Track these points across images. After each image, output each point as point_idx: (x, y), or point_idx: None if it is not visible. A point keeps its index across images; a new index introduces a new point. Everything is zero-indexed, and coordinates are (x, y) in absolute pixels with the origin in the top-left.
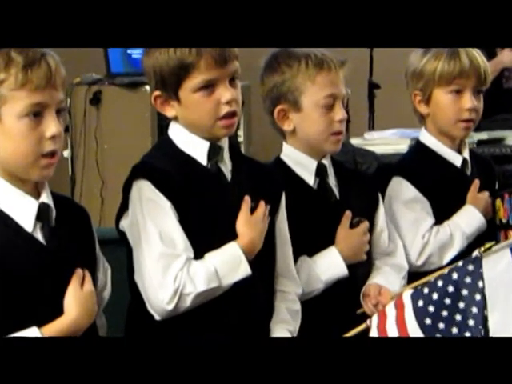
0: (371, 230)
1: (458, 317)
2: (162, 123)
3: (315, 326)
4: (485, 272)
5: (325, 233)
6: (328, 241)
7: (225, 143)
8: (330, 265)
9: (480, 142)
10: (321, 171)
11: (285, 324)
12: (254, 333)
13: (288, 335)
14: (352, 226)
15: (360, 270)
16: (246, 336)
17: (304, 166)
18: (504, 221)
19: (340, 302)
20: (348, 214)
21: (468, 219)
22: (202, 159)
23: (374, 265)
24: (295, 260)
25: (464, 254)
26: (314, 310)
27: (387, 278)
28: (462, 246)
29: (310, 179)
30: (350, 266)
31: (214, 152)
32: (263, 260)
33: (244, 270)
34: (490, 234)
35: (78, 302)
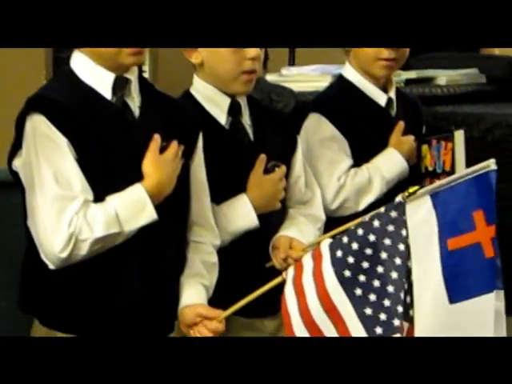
0: (287, 175)
1: (380, 269)
2: (62, 55)
3: (223, 280)
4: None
5: (235, 178)
6: (238, 187)
7: (133, 75)
8: (238, 215)
9: (408, 81)
10: (234, 109)
11: (198, 278)
12: (162, 287)
13: (202, 289)
14: (266, 171)
15: (274, 219)
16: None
17: (215, 103)
18: (430, 169)
19: (250, 254)
20: (262, 157)
21: (389, 163)
22: (107, 93)
23: (288, 214)
24: None
25: (382, 201)
26: (221, 263)
27: (301, 230)
28: (381, 192)
29: (222, 118)
30: (262, 216)
31: (120, 85)
32: (174, 206)
33: (149, 214)
34: (413, 181)
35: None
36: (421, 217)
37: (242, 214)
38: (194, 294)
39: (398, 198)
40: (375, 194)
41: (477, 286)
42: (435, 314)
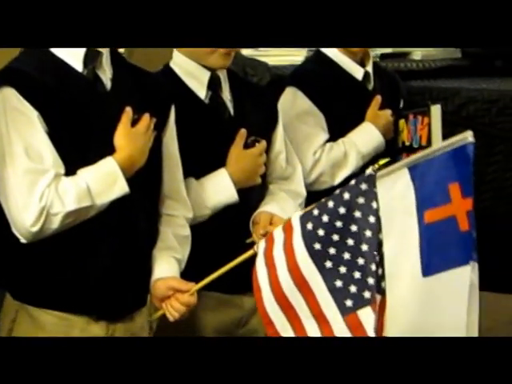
0: (268, 150)
1: (351, 241)
2: None
3: (203, 255)
4: (381, 194)
5: (215, 153)
6: (219, 162)
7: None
8: (218, 189)
9: (384, 56)
10: (214, 83)
11: (171, 251)
12: (134, 260)
13: (174, 263)
14: (247, 145)
15: (254, 194)
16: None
17: (195, 77)
18: (407, 143)
19: (230, 229)
20: (243, 132)
21: (365, 137)
22: (78, 65)
23: (269, 189)
24: None
25: (358, 175)
26: (199, 237)
27: (281, 205)
28: (357, 166)
29: (202, 92)
30: (242, 191)
31: (92, 57)
32: (146, 179)
33: (120, 187)
34: (389, 156)
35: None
36: (399, 190)
37: (221, 188)
38: (166, 267)
39: (369, 171)
40: (351, 168)
41: (450, 259)
42: (408, 287)
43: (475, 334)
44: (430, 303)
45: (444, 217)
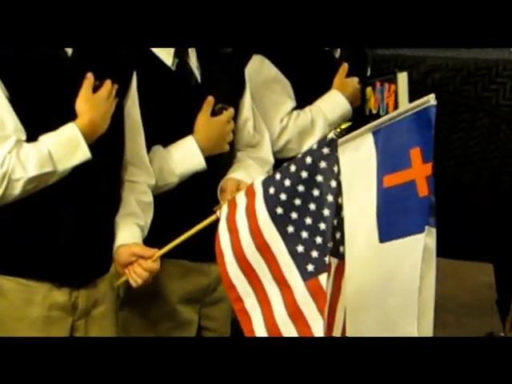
0: (236, 118)
1: (313, 206)
2: None
3: (172, 223)
4: (346, 159)
5: (182, 120)
6: (186, 129)
7: None
8: (185, 157)
9: None
10: (180, 51)
11: (133, 217)
12: (96, 227)
13: (137, 229)
14: (214, 113)
15: (221, 162)
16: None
17: None
18: (374, 111)
19: (197, 197)
20: (210, 99)
21: (332, 105)
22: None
23: (237, 157)
24: (148, 150)
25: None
26: (168, 205)
27: (249, 172)
28: (324, 133)
29: (168, 59)
30: (210, 158)
31: None
32: (108, 146)
33: (82, 153)
34: (357, 124)
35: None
36: (362, 154)
37: (189, 156)
38: (128, 233)
39: (331, 135)
40: (318, 135)
41: (408, 225)
42: (366, 252)
43: (431, 298)
44: (386, 269)
45: (403, 181)
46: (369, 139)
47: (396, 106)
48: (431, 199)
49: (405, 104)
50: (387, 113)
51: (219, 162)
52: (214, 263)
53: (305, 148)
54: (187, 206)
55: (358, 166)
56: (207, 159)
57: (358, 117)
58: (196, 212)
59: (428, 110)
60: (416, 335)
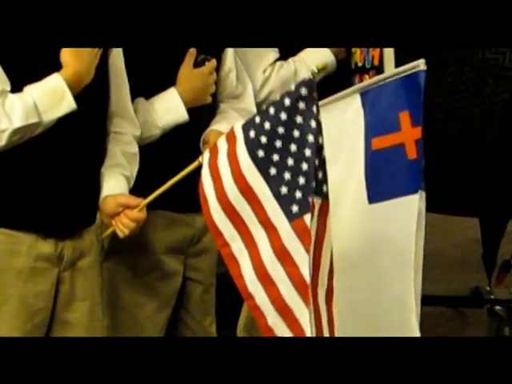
0: (218, 69)
1: (293, 147)
2: None
3: (153, 175)
4: (333, 118)
5: (165, 72)
6: (168, 81)
7: None
8: (168, 108)
9: None
10: None
11: (119, 168)
12: (82, 178)
13: (122, 180)
14: (196, 64)
15: (204, 113)
16: None
17: None
18: (360, 64)
19: (180, 149)
20: (192, 50)
21: (316, 57)
22: None
23: (219, 108)
24: (131, 102)
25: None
26: (151, 157)
27: (232, 124)
28: None
29: None
30: (192, 110)
31: None
32: (93, 97)
33: (68, 104)
34: (342, 77)
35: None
36: (350, 115)
37: (171, 107)
38: (114, 184)
39: (308, 75)
40: None
41: (398, 187)
42: (354, 213)
43: (420, 258)
44: (376, 230)
45: (392, 144)
46: (356, 100)
47: (381, 59)
48: (420, 162)
49: (390, 57)
50: (372, 65)
51: (202, 114)
52: (199, 214)
53: None
54: (170, 158)
55: (345, 126)
56: (190, 111)
57: (344, 70)
58: (179, 163)
59: (418, 74)
60: (412, 295)
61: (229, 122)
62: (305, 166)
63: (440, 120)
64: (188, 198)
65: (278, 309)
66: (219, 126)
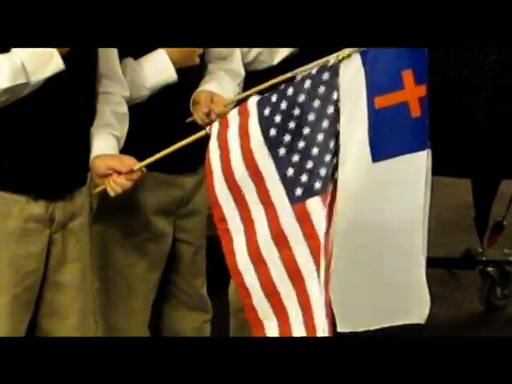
0: None
1: (307, 130)
2: None
3: (144, 136)
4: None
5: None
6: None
7: None
8: (156, 69)
9: None
10: None
11: (109, 128)
12: (72, 138)
13: (112, 139)
14: None
15: (193, 74)
16: None
17: None
18: None
19: (170, 109)
20: None
21: None
22: None
23: (208, 69)
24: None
25: (298, 55)
26: (140, 117)
27: (221, 84)
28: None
29: None
30: (181, 70)
31: None
32: (81, 56)
33: (56, 64)
34: None
35: None
36: (350, 75)
37: (160, 68)
38: (104, 143)
39: (333, 60)
40: (284, 50)
41: (402, 145)
42: (356, 171)
43: (426, 216)
44: (381, 187)
45: (395, 102)
46: (357, 60)
47: None
48: (425, 120)
49: None
50: None
51: (190, 75)
52: (188, 176)
53: (277, 60)
54: (159, 119)
55: (346, 86)
56: (178, 71)
57: None
58: (168, 124)
59: None
60: (421, 252)
61: (218, 83)
62: (315, 151)
63: (431, 82)
64: (177, 159)
65: (267, 292)
66: (209, 86)
